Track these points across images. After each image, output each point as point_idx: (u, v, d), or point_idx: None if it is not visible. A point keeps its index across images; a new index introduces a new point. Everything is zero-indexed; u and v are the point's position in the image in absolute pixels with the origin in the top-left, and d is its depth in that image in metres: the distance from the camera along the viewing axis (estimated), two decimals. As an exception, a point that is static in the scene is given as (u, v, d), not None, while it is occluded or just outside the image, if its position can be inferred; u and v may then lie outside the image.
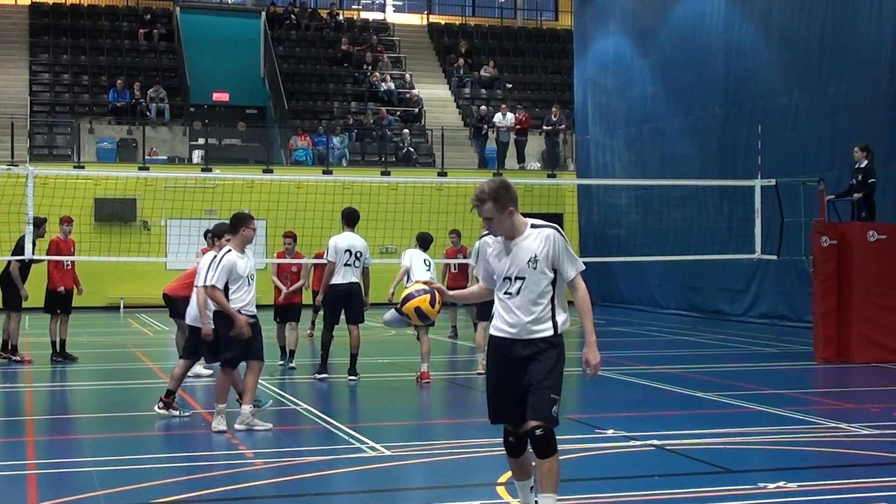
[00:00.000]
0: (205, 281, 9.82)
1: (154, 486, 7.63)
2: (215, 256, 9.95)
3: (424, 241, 13.72)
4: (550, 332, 6.10)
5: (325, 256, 13.58)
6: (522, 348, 6.01)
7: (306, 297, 15.72)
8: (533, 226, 6.00)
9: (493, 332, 6.09)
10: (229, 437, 9.62)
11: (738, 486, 7.58)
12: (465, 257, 17.60)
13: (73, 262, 15.74)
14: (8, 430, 10.16)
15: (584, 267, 6.11)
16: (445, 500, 7.48)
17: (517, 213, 5.92)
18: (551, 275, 6.01)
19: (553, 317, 6.12)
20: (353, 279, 13.27)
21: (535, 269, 5.93)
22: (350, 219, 13.58)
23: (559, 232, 5.99)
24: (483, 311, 14.08)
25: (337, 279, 13.25)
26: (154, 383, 13.90)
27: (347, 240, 13.33)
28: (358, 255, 13.25)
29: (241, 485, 7.82)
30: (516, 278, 5.97)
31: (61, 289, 15.48)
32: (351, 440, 9.38)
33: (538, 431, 5.92)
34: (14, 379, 14.18)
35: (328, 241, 13.57)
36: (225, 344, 9.88)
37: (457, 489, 7.79)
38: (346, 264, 13.22)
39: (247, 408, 9.92)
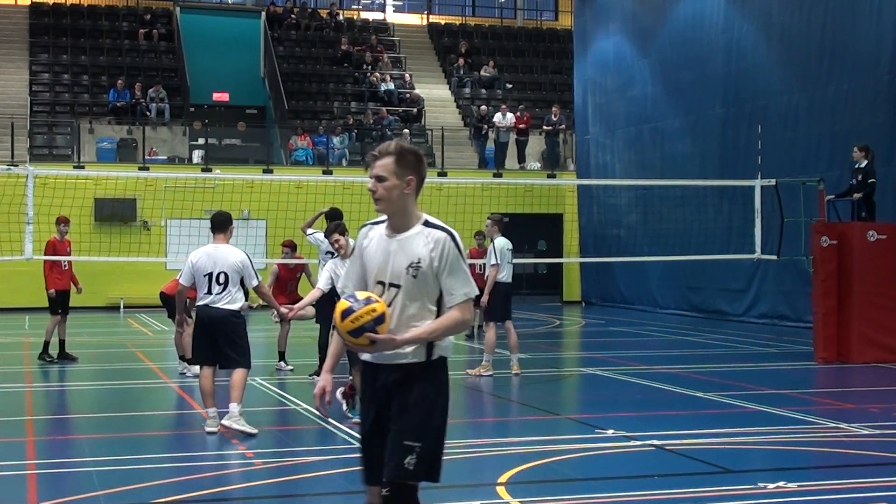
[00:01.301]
0: (257, 279, 9.98)
1: (154, 486, 7.63)
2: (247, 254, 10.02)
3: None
4: (422, 357, 4.63)
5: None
6: (387, 375, 4.67)
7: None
8: (426, 223, 4.71)
9: (361, 356, 4.78)
10: (229, 437, 9.62)
11: (738, 486, 7.58)
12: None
13: (70, 263, 15.69)
14: (8, 430, 10.16)
15: (475, 293, 4.69)
16: (445, 500, 7.48)
17: (415, 198, 4.72)
18: (436, 291, 4.64)
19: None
20: None
21: (414, 277, 4.59)
22: (333, 219, 13.46)
23: (453, 239, 4.65)
24: (492, 310, 14.05)
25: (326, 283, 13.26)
26: (154, 383, 13.91)
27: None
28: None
29: (240, 485, 7.82)
30: (391, 285, 4.65)
31: (52, 291, 15.37)
32: (351, 440, 9.37)
33: (383, 492, 4.67)
34: (14, 379, 14.18)
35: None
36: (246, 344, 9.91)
37: (457, 489, 7.78)
38: None
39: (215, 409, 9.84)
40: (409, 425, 4.58)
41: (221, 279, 9.69)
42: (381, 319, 4.52)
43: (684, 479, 7.88)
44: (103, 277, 25.70)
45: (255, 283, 9.84)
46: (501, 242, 14.05)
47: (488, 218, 14.45)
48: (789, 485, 7.46)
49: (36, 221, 14.95)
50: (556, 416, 11.24)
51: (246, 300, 10.22)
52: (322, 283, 10.50)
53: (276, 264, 15.25)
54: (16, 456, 8.93)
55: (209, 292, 9.70)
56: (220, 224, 10.12)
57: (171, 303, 13.37)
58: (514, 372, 13.83)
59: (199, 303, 9.80)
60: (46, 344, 15.56)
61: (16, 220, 16.52)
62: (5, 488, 7.81)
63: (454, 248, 4.60)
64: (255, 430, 9.61)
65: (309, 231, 13.58)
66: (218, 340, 9.71)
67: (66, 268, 15.60)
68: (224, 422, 9.64)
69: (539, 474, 8.02)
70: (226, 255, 9.82)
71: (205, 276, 9.73)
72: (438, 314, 4.62)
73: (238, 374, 9.75)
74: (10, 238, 17.46)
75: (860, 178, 16.24)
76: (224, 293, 9.69)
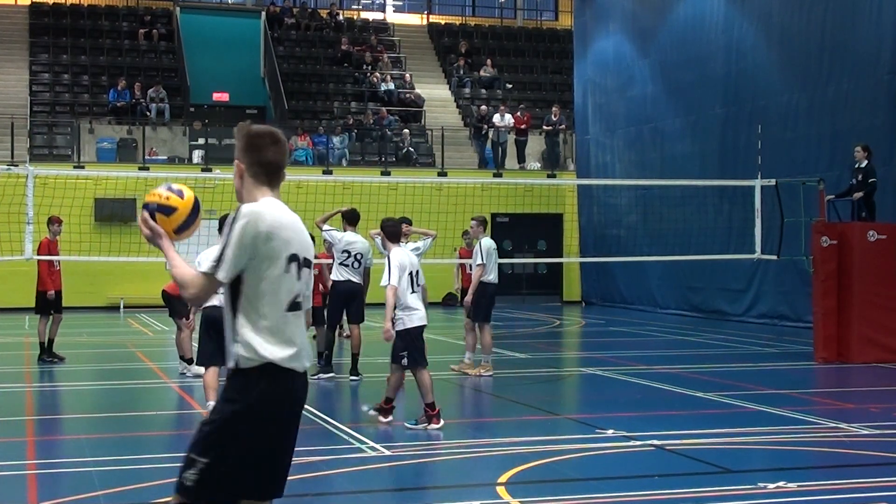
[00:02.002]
0: None
1: (154, 486, 7.62)
2: None
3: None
4: (231, 364, 4.23)
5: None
6: None
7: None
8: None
9: None
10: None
11: (738, 486, 7.58)
12: None
13: (60, 263, 15.63)
14: (8, 430, 10.16)
15: (210, 269, 4.16)
16: (445, 500, 7.49)
17: (252, 182, 4.39)
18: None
19: (234, 341, 4.19)
20: (354, 279, 13.27)
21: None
22: (350, 218, 13.58)
23: (235, 214, 4.26)
24: (478, 309, 14.04)
25: (336, 277, 13.30)
26: (154, 383, 13.91)
27: (347, 240, 13.34)
28: (358, 256, 13.26)
29: (241, 485, 7.80)
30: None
31: (52, 292, 15.35)
32: (351, 440, 9.37)
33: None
34: (14, 379, 14.18)
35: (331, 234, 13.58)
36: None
37: (457, 489, 7.79)
38: (342, 264, 13.23)
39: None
40: (200, 437, 4.13)
41: None
42: (167, 210, 4.56)
43: (684, 479, 7.88)
44: (103, 277, 25.71)
45: None
46: (488, 243, 14.15)
47: (473, 219, 14.52)
48: (789, 485, 7.46)
49: (36, 221, 14.93)
50: (556, 416, 11.24)
51: None
52: (394, 279, 10.39)
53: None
54: (16, 456, 8.93)
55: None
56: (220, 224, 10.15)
57: (174, 302, 13.44)
58: (484, 372, 13.74)
59: (206, 304, 9.80)
60: (42, 345, 15.51)
61: (16, 220, 16.51)
62: (5, 488, 7.81)
63: (230, 222, 4.24)
64: None
65: (325, 227, 13.56)
66: (223, 339, 9.71)
67: (58, 267, 15.55)
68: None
69: (539, 474, 8.02)
70: None
71: None
72: (237, 303, 4.20)
73: (212, 372, 10.02)
74: (10, 238, 17.45)
75: (860, 177, 16.26)
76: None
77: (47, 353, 15.48)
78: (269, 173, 4.33)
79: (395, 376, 10.15)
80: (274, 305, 4.15)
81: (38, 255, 15.22)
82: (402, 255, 10.12)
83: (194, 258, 10.27)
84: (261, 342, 4.11)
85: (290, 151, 29.25)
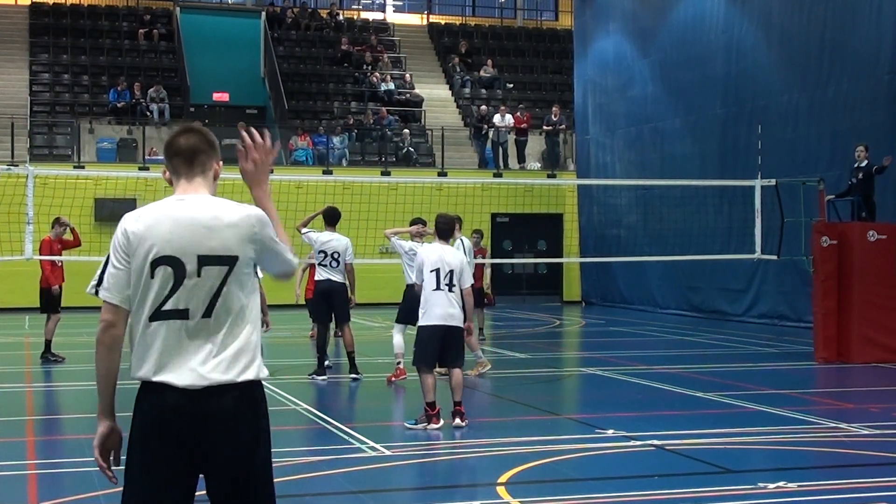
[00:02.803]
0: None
1: (154, 486, 7.62)
2: None
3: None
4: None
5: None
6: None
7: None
8: None
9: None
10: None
11: (738, 486, 7.58)
12: (483, 258, 17.66)
13: (62, 261, 15.70)
14: (8, 430, 10.16)
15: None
16: (445, 500, 7.49)
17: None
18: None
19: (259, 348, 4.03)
20: (333, 277, 13.19)
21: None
22: (330, 218, 13.56)
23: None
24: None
25: (317, 277, 13.42)
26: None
27: (324, 238, 13.33)
28: (335, 255, 13.21)
29: (241, 485, 7.80)
30: None
31: (56, 287, 15.44)
32: (351, 440, 9.37)
33: None
34: (14, 379, 14.18)
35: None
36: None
37: (457, 489, 7.79)
38: (321, 264, 13.26)
39: None
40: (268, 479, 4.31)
41: None
42: None
43: (684, 479, 7.88)
44: (103, 277, 25.67)
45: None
46: (468, 242, 14.11)
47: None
48: (789, 485, 7.46)
49: (36, 221, 14.93)
50: (556, 416, 11.24)
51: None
52: (416, 276, 10.41)
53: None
54: (16, 456, 8.93)
55: None
56: None
57: None
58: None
59: None
60: (48, 343, 15.53)
61: (16, 220, 16.51)
62: (5, 488, 7.81)
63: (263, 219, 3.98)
64: None
65: (304, 230, 13.61)
66: None
67: (60, 265, 15.60)
68: None
69: (539, 474, 8.02)
70: None
71: None
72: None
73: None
74: (10, 238, 17.45)
75: (860, 176, 16.26)
76: None
77: (47, 352, 15.48)
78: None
79: (420, 378, 10.01)
80: None
81: (41, 253, 15.29)
82: (428, 252, 10.06)
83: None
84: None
85: (290, 151, 29.26)
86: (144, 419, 3.78)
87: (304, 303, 16.18)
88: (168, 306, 3.75)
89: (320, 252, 13.22)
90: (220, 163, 4.09)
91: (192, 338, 3.76)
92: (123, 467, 3.97)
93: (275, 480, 7.99)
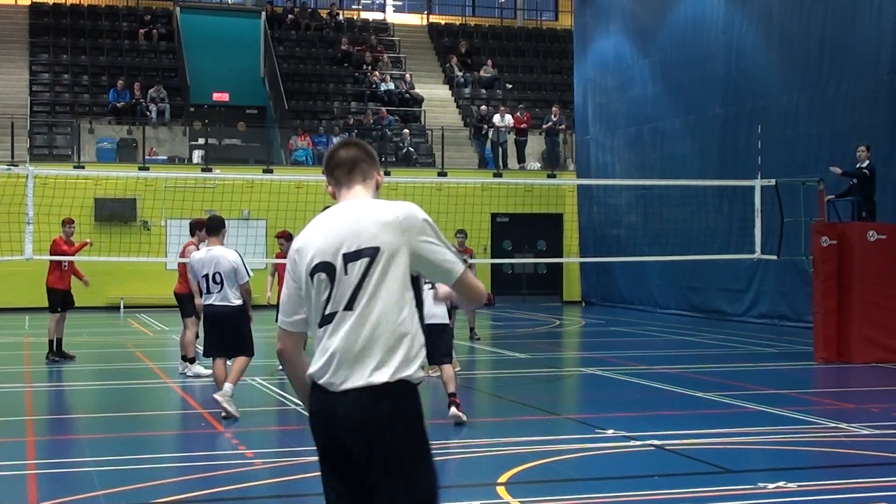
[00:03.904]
0: (249, 275, 10.67)
1: (154, 486, 7.63)
2: (239, 253, 10.76)
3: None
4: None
5: None
6: None
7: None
8: None
9: None
10: (229, 437, 9.63)
11: (738, 486, 7.58)
12: (471, 257, 17.59)
13: (70, 262, 15.79)
14: (8, 430, 10.16)
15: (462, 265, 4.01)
16: (445, 500, 7.47)
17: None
18: None
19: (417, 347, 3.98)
20: None
21: None
22: None
23: (414, 209, 4.06)
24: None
25: None
26: (154, 383, 13.91)
27: None
28: None
29: (241, 485, 7.82)
30: None
31: (79, 272, 15.71)
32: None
33: None
34: (14, 379, 14.18)
35: None
36: (250, 333, 10.79)
37: (457, 489, 7.78)
38: None
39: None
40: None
41: (217, 279, 10.55)
42: None
43: (684, 479, 7.88)
44: (103, 277, 25.67)
45: (244, 280, 10.69)
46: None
47: None
48: (789, 485, 7.46)
49: (36, 221, 14.95)
50: (556, 416, 11.24)
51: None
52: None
53: (275, 258, 15.31)
54: (16, 456, 8.93)
55: (209, 292, 10.64)
56: (213, 228, 10.89)
57: (184, 302, 13.76)
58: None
59: (204, 302, 10.80)
60: (51, 343, 15.59)
61: (16, 220, 16.51)
62: (5, 488, 7.81)
63: (426, 220, 4.00)
64: (237, 414, 10.29)
65: None
66: (225, 334, 10.67)
67: (66, 267, 15.71)
68: (216, 395, 10.36)
69: (539, 474, 8.02)
70: (219, 257, 10.61)
71: (202, 277, 10.66)
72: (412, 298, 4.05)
73: (240, 360, 10.65)
74: (10, 238, 17.45)
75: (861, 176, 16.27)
76: (222, 291, 10.58)
77: (56, 352, 15.56)
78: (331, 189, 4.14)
79: (439, 371, 10.40)
80: None
81: (51, 253, 15.47)
82: None
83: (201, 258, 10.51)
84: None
85: (290, 151, 29.27)
86: (312, 419, 3.88)
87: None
88: (329, 310, 3.81)
89: None
90: (382, 174, 4.13)
91: (344, 336, 3.77)
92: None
93: (275, 480, 8.01)
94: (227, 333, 10.64)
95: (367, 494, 3.82)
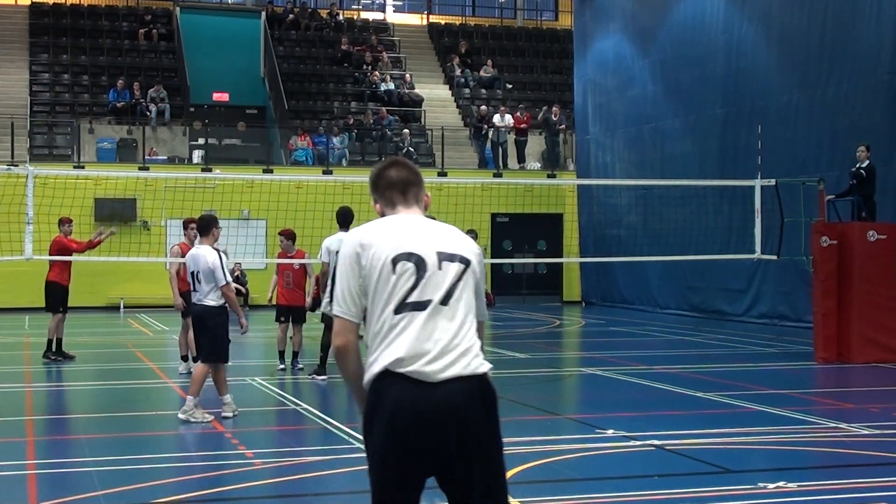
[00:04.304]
0: (225, 279, 10.44)
1: (154, 486, 7.63)
2: (220, 254, 10.53)
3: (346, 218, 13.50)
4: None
5: (319, 257, 13.54)
6: None
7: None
8: None
9: None
10: (230, 437, 9.63)
11: (738, 486, 7.58)
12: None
13: (70, 261, 15.85)
14: (8, 430, 10.16)
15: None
16: (445, 500, 7.47)
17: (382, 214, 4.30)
18: None
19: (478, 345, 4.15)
20: None
21: None
22: (343, 219, 13.51)
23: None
24: None
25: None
26: (154, 383, 13.91)
27: (339, 241, 13.29)
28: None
29: (241, 485, 7.82)
30: None
31: (65, 280, 15.72)
32: (351, 440, 9.37)
33: None
34: (14, 379, 14.18)
35: (322, 244, 13.51)
36: (223, 339, 10.51)
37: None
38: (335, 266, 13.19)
39: (228, 397, 10.59)
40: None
41: (200, 278, 10.48)
42: None
43: (684, 479, 7.88)
44: (103, 277, 25.71)
45: (222, 283, 10.42)
46: None
47: None
48: (789, 485, 7.46)
49: (36, 221, 14.94)
50: (556, 416, 11.24)
51: None
52: None
53: (276, 256, 15.26)
54: (16, 456, 8.93)
55: (195, 290, 10.60)
56: (202, 228, 10.83)
57: (185, 301, 13.78)
58: None
59: (196, 301, 10.72)
60: (50, 342, 15.61)
61: (16, 220, 16.51)
62: (5, 488, 7.81)
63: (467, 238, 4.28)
64: (208, 418, 10.27)
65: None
66: (197, 334, 10.78)
67: (68, 265, 15.79)
68: (179, 415, 10.34)
69: (539, 474, 8.01)
70: (202, 256, 10.50)
71: (190, 274, 10.64)
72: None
73: (197, 367, 10.61)
74: (10, 238, 17.45)
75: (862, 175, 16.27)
76: (199, 291, 10.50)
77: (56, 352, 15.59)
78: (380, 204, 4.25)
79: None
80: None
81: (51, 252, 15.52)
82: None
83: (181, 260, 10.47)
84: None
85: (290, 151, 29.27)
86: (389, 408, 3.88)
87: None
88: (413, 298, 3.90)
89: (337, 253, 13.17)
90: (429, 194, 4.28)
91: (434, 328, 3.89)
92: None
93: (275, 480, 8.01)
94: (199, 334, 10.64)
95: (447, 487, 3.92)
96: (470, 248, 4.07)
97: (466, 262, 4.02)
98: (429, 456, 3.87)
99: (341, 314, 3.99)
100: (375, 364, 3.90)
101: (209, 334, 10.41)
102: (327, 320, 13.59)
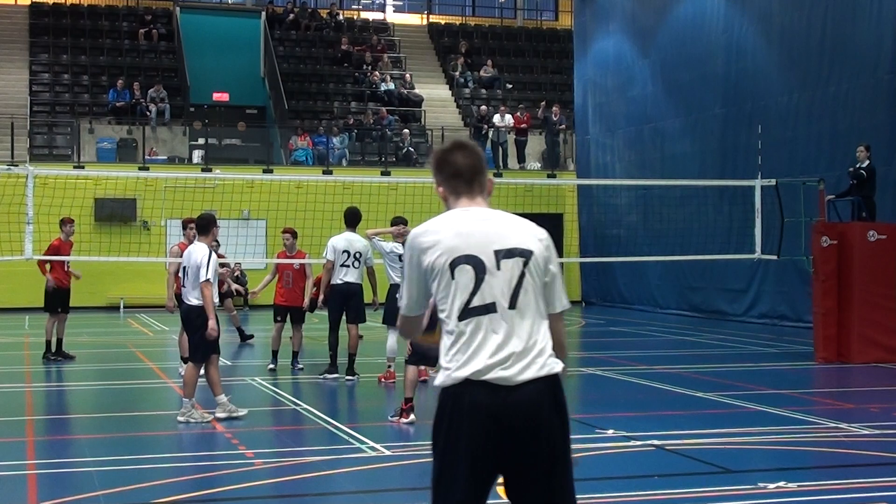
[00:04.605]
0: (206, 276, 10.25)
1: (154, 486, 7.63)
2: (210, 253, 10.39)
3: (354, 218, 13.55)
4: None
5: (324, 255, 13.56)
6: None
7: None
8: None
9: None
10: (229, 437, 9.63)
11: (738, 486, 7.58)
12: None
13: (68, 262, 15.83)
14: (8, 430, 10.16)
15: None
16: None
17: (448, 203, 4.19)
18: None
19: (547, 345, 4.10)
20: (351, 279, 13.26)
21: None
22: (350, 219, 13.59)
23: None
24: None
25: (335, 279, 13.27)
26: (154, 383, 13.91)
27: (345, 240, 13.34)
28: (357, 255, 13.25)
29: (241, 485, 7.82)
30: None
31: (51, 283, 15.60)
32: (351, 440, 9.37)
33: None
34: (14, 379, 14.18)
35: (327, 241, 13.58)
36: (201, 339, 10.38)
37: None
38: (343, 265, 13.22)
39: (222, 397, 10.50)
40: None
41: (189, 274, 10.37)
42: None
43: (684, 479, 7.88)
44: (103, 277, 25.71)
45: (202, 279, 10.26)
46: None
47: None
48: (789, 485, 7.46)
49: (36, 221, 14.95)
50: (556, 416, 11.21)
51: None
52: None
53: (276, 256, 15.24)
54: (16, 456, 8.93)
55: (183, 286, 10.52)
56: (200, 227, 10.75)
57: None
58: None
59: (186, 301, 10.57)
60: (48, 343, 15.62)
61: (16, 220, 16.51)
62: (5, 488, 7.81)
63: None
64: (207, 417, 10.24)
65: (376, 239, 13.52)
66: (185, 332, 10.74)
67: (68, 268, 15.80)
68: (178, 418, 10.29)
69: (539, 474, 8.00)
70: (193, 253, 10.44)
71: (182, 270, 10.61)
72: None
73: (186, 368, 10.62)
74: (10, 238, 17.46)
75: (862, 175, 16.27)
76: (186, 288, 10.41)
77: (56, 352, 15.62)
78: (448, 189, 4.14)
79: (406, 374, 10.37)
80: None
81: (46, 255, 15.48)
82: None
83: (180, 260, 10.49)
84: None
85: (290, 151, 29.26)
86: (468, 413, 3.83)
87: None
88: (475, 302, 3.87)
89: (343, 252, 13.23)
90: (492, 178, 4.21)
91: (501, 331, 3.86)
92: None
93: (275, 480, 8.01)
94: (186, 332, 10.62)
95: (517, 489, 3.92)
96: (532, 237, 3.98)
97: (527, 254, 3.93)
98: (505, 458, 3.87)
99: (414, 314, 4.10)
100: (451, 373, 3.87)
101: (195, 333, 10.36)
102: (333, 319, 13.58)
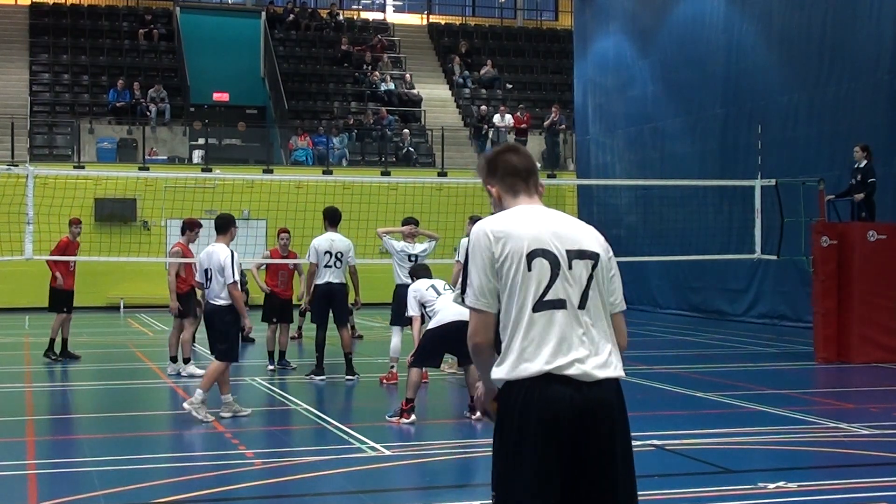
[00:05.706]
0: (234, 277, 10.41)
1: (154, 486, 7.63)
2: (232, 253, 10.55)
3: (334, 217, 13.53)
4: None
5: (307, 258, 13.55)
6: None
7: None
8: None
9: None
10: (230, 437, 9.63)
11: (738, 486, 7.58)
12: None
13: (75, 263, 15.89)
14: (8, 430, 10.16)
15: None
16: (445, 500, 7.48)
17: (503, 204, 4.20)
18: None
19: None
20: (334, 280, 13.20)
21: None
22: (332, 218, 13.53)
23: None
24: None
25: (318, 280, 13.25)
26: (154, 383, 13.91)
27: (327, 241, 13.30)
28: (339, 255, 13.20)
29: (240, 485, 7.82)
30: None
31: (59, 281, 15.61)
32: (351, 440, 9.37)
33: None
34: (14, 379, 14.18)
35: (310, 244, 13.51)
36: (233, 338, 10.60)
37: (457, 489, 7.78)
38: (326, 265, 13.19)
39: (229, 396, 10.59)
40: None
41: (210, 275, 10.51)
42: None
43: (684, 479, 7.88)
44: (103, 277, 25.71)
45: (230, 281, 10.42)
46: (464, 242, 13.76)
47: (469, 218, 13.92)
48: (789, 485, 7.46)
49: (36, 221, 14.96)
50: (556, 416, 11.21)
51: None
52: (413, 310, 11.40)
53: (269, 254, 15.31)
54: (16, 456, 8.93)
55: (207, 288, 10.64)
56: (219, 226, 10.83)
57: (183, 301, 13.90)
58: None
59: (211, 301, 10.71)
60: (52, 342, 15.64)
61: (16, 220, 16.52)
62: (5, 488, 7.81)
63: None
64: (210, 419, 10.20)
65: (386, 238, 13.56)
66: (208, 332, 10.71)
67: (72, 268, 15.82)
68: (184, 404, 10.39)
69: (539, 474, 8.00)
70: (216, 253, 10.54)
71: (204, 272, 10.65)
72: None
73: (211, 364, 10.63)
74: (10, 238, 17.46)
75: (860, 177, 16.25)
76: (210, 289, 10.53)
77: (62, 352, 15.63)
78: (504, 189, 4.17)
79: (409, 374, 10.42)
80: None
81: (53, 254, 15.52)
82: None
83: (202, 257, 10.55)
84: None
85: (290, 151, 29.27)
86: (546, 409, 3.82)
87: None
88: (549, 296, 3.88)
89: (325, 253, 13.22)
90: (543, 183, 4.25)
91: (574, 328, 3.89)
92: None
93: (275, 480, 8.01)
94: (209, 332, 10.66)
95: (585, 489, 3.87)
96: (598, 241, 4.04)
97: (595, 258, 3.98)
98: (580, 455, 3.85)
99: (483, 307, 3.92)
100: (524, 364, 3.85)
101: (218, 333, 10.48)
102: (318, 319, 13.58)
